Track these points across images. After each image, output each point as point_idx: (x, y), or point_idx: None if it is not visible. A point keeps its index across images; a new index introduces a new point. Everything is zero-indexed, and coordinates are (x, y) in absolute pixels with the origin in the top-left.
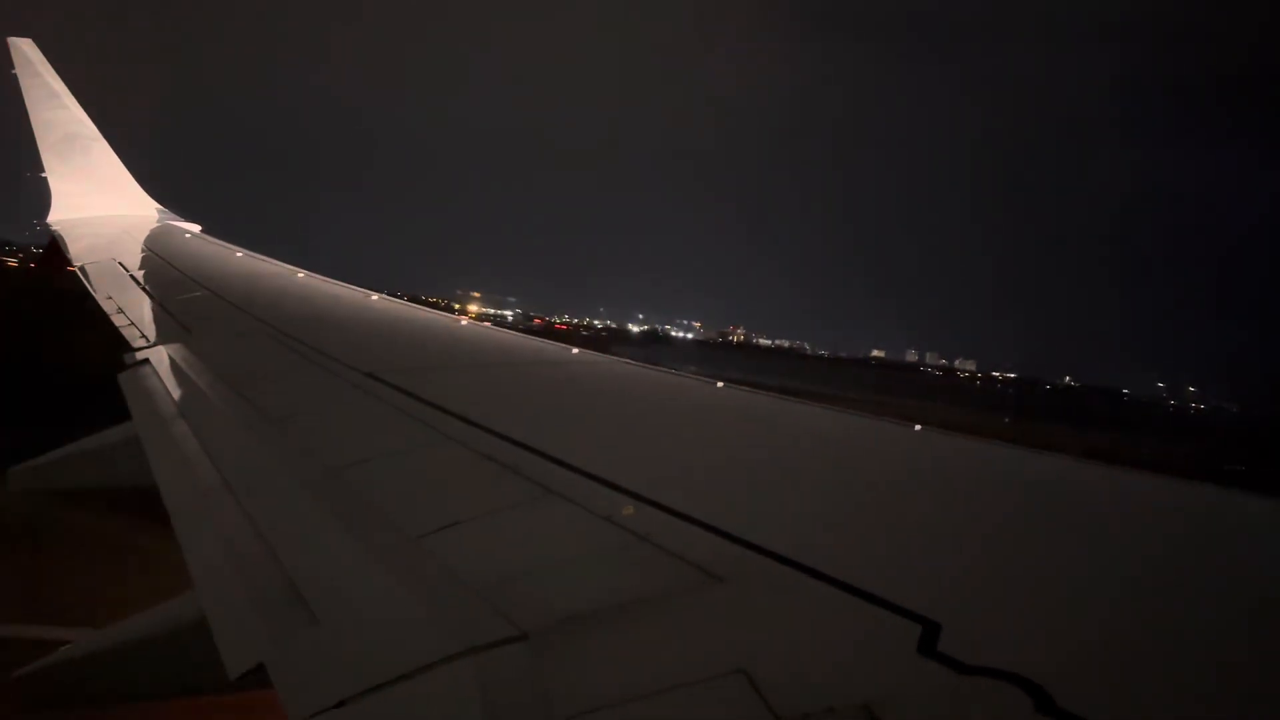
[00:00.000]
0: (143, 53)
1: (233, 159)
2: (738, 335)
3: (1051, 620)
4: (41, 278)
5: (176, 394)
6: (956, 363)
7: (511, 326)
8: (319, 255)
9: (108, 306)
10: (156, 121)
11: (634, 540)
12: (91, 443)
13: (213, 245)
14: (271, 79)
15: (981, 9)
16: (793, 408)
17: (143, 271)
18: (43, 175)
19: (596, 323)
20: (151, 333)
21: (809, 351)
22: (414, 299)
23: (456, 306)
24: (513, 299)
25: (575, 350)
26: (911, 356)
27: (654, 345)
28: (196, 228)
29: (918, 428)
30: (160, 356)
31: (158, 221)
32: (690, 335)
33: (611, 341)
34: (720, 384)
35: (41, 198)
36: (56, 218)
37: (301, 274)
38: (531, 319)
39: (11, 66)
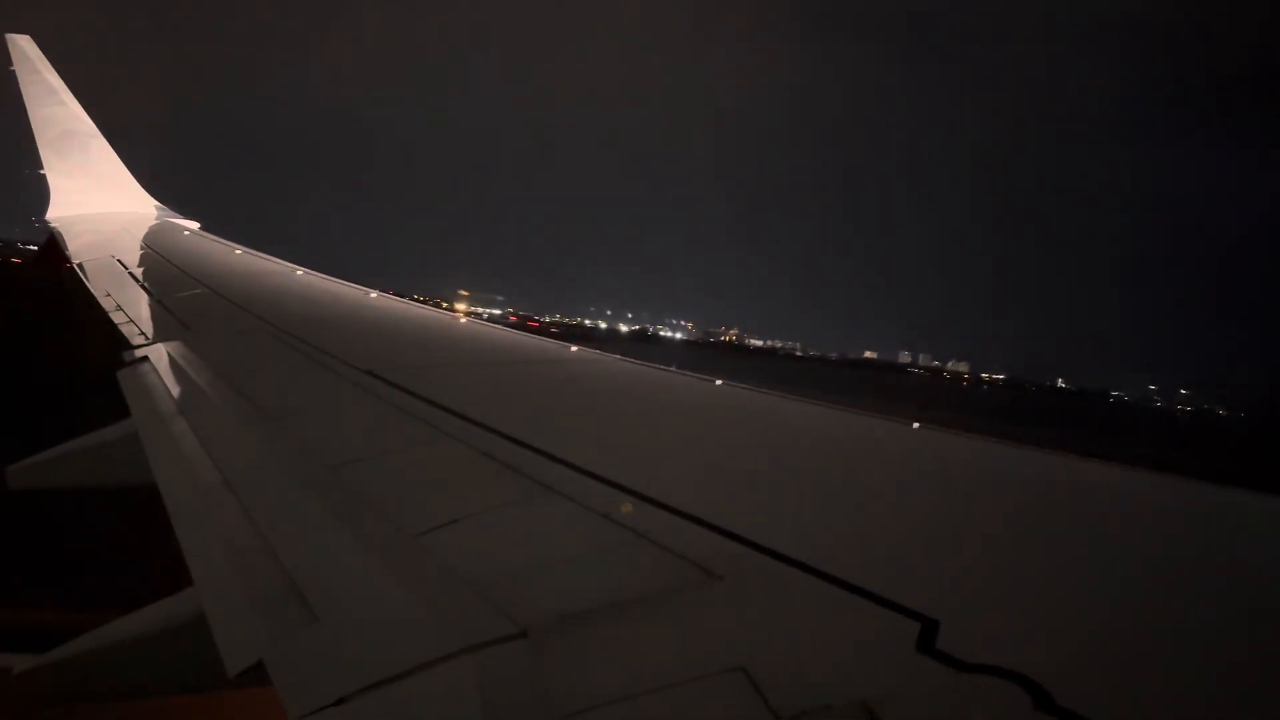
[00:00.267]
0: (135, 49)
1: (223, 156)
2: (730, 336)
3: (1051, 618)
4: (39, 275)
5: (176, 392)
6: (950, 364)
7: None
8: (304, 252)
9: (106, 304)
10: (149, 118)
11: (633, 538)
12: (90, 440)
13: (212, 242)
14: (263, 77)
15: (977, 9)
16: (792, 406)
17: (141, 269)
18: (41, 172)
19: (587, 321)
20: (150, 330)
21: (797, 352)
22: (399, 296)
23: (444, 304)
24: (500, 297)
25: (575, 348)
26: (905, 357)
27: (636, 344)
28: (195, 225)
29: (916, 426)
30: (159, 354)
31: (156, 219)
32: (679, 335)
33: (587, 340)
34: (719, 382)
35: (41, 195)
36: (55, 215)
37: (300, 271)
38: (508, 316)
39: (9, 63)
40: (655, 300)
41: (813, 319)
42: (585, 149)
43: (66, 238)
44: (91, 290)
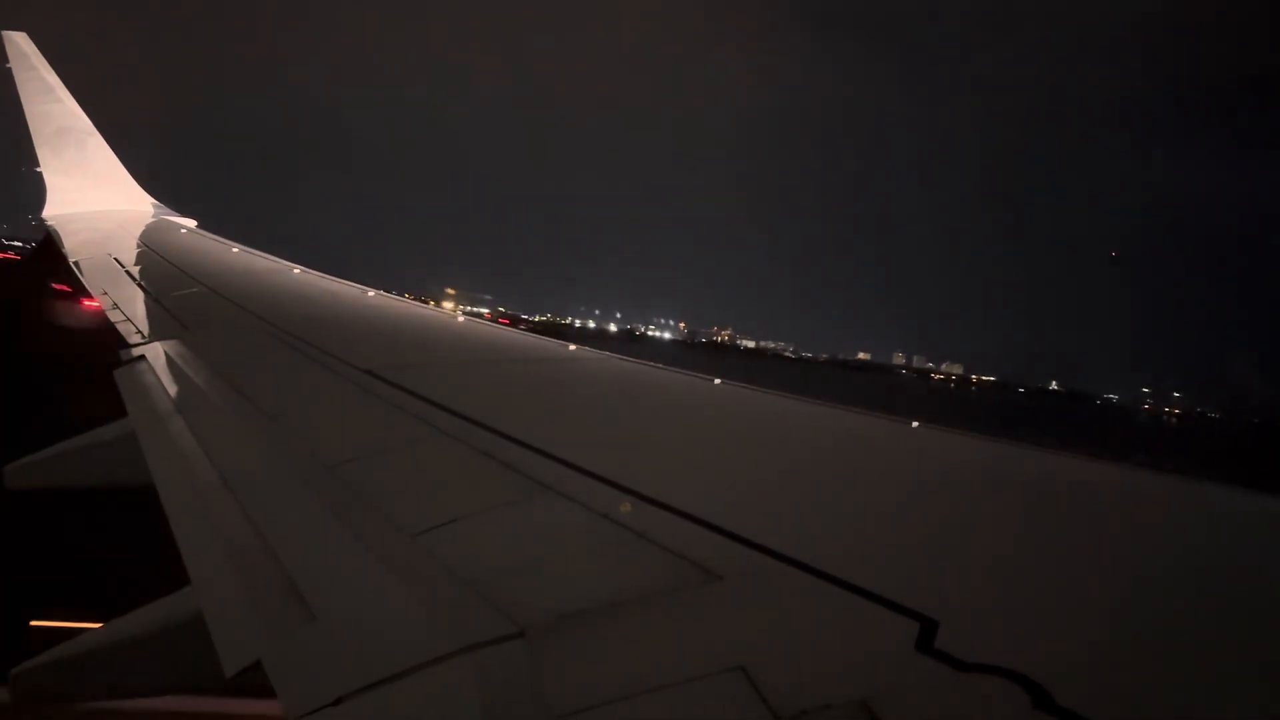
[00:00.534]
0: (122, 45)
1: (210, 152)
2: (723, 336)
3: (1049, 618)
4: (37, 273)
5: (173, 390)
6: (944, 366)
7: None
8: (277, 246)
9: (103, 302)
10: (133, 114)
11: (632, 537)
12: (87, 440)
13: (209, 241)
14: (252, 74)
15: (969, 9)
16: (791, 405)
17: (138, 267)
18: (38, 170)
19: (577, 322)
20: (147, 329)
21: (785, 353)
22: (385, 294)
23: (430, 303)
24: (488, 296)
25: (574, 347)
26: (899, 359)
27: (619, 345)
28: (192, 223)
29: (915, 425)
30: (156, 353)
31: (153, 216)
32: (667, 335)
33: (564, 338)
34: (719, 381)
35: (38, 192)
36: (51, 212)
37: (298, 270)
38: (494, 316)
39: (6, 61)
40: (648, 299)
41: (811, 320)
42: (577, 146)
43: (63, 236)
44: (88, 288)
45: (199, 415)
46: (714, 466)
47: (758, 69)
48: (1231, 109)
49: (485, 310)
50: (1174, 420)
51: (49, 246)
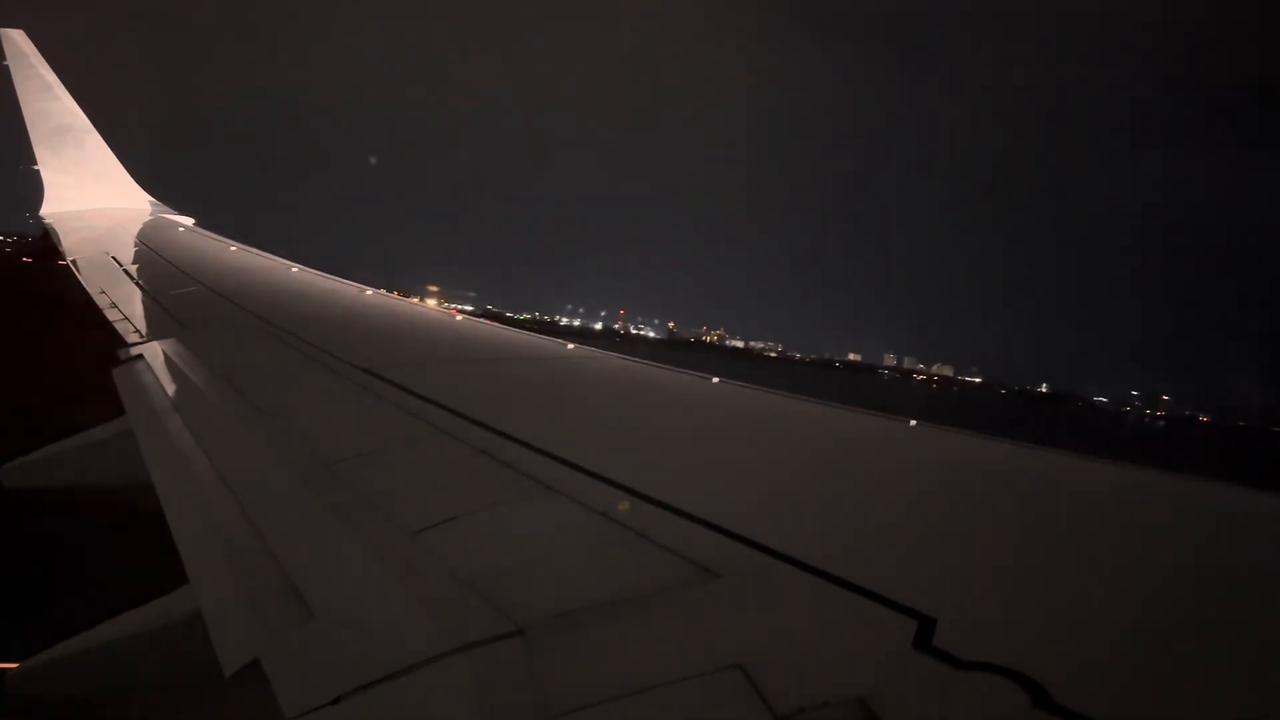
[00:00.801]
0: (113, 43)
1: (197, 147)
2: (713, 336)
3: (1048, 616)
4: (33, 272)
5: (171, 389)
6: (935, 367)
7: None
8: (256, 241)
9: (101, 301)
10: (134, 113)
11: (630, 536)
12: (85, 439)
13: (206, 239)
14: (238, 71)
15: (962, 15)
16: (790, 404)
17: (136, 265)
18: (35, 168)
19: (563, 319)
20: (145, 328)
21: (767, 353)
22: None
23: (414, 300)
24: (473, 294)
25: (572, 346)
26: (889, 360)
27: (599, 343)
28: (190, 221)
29: (913, 424)
30: (154, 351)
31: (151, 214)
32: (652, 334)
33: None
34: (717, 380)
35: (37, 190)
36: (49, 210)
37: (296, 268)
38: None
39: (3, 58)
40: (640, 299)
41: (809, 321)
42: (565, 144)
43: (60, 234)
44: (86, 287)
45: (197, 414)
46: (712, 465)
47: (750, 66)
48: (1222, 111)
49: (470, 308)
50: (1160, 423)
51: (47, 244)
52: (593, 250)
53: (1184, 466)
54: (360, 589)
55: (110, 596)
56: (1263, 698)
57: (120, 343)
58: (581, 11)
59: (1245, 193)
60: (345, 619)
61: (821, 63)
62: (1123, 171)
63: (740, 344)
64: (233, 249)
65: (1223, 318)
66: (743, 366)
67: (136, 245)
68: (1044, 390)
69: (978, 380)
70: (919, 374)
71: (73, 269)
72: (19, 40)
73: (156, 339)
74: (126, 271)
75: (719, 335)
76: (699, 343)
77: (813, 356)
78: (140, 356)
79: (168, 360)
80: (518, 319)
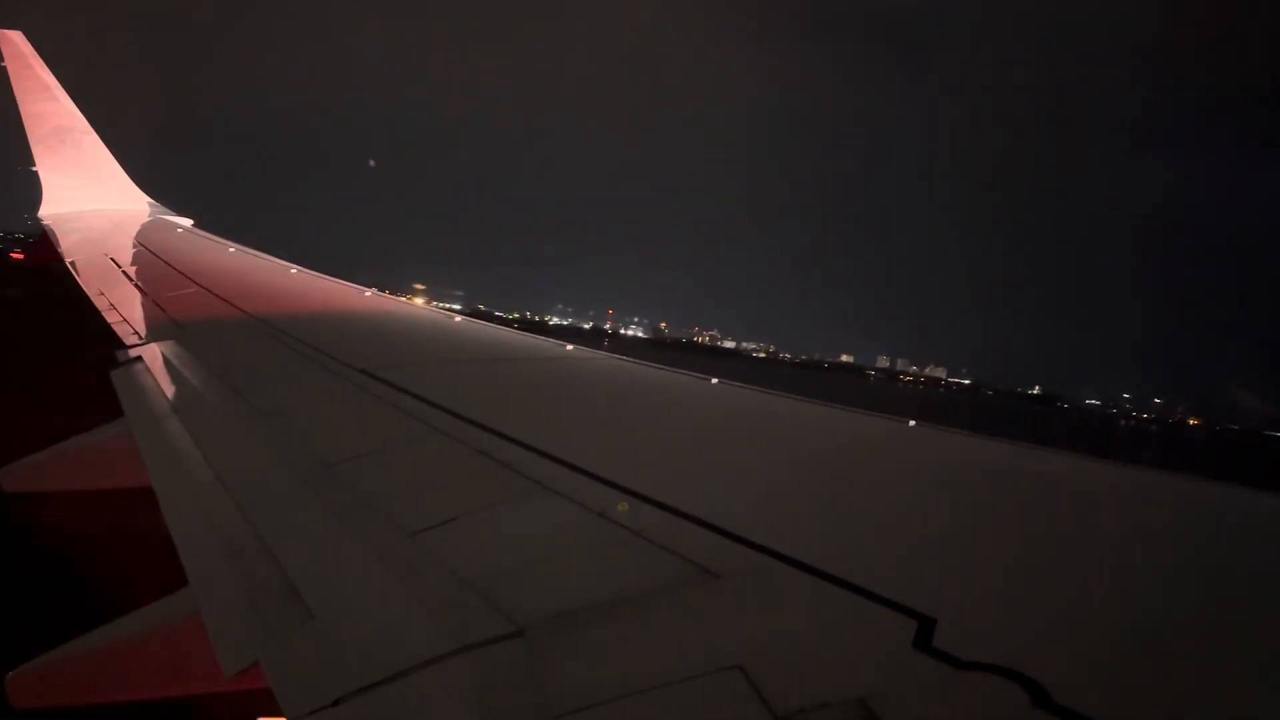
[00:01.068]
0: (111, 44)
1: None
2: (704, 337)
3: (1048, 616)
4: (31, 272)
5: (170, 391)
6: (928, 369)
7: None
8: (237, 238)
9: (100, 303)
10: (132, 114)
11: (629, 537)
12: (84, 441)
13: (205, 240)
14: (231, 73)
15: (954, 18)
16: (788, 405)
17: (135, 267)
18: (33, 169)
19: (553, 319)
20: (144, 329)
21: (754, 353)
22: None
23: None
24: (460, 292)
25: (570, 346)
26: (882, 362)
27: (587, 342)
28: (188, 222)
29: (912, 424)
30: (153, 353)
31: (149, 215)
32: (641, 334)
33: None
34: (716, 381)
35: (34, 190)
36: (48, 211)
37: (294, 269)
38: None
39: (1, 59)
40: (635, 299)
41: (803, 322)
42: (558, 144)
43: (59, 235)
44: (84, 289)
45: (196, 416)
46: (711, 465)
47: (747, 66)
48: (1221, 111)
49: (458, 307)
50: (1151, 426)
51: (45, 245)
52: (586, 250)
53: (1171, 469)
54: (360, 590)
55: (109, 599)
56: (1263, 698)
57: (119, 344)
58: (575, 11)
59: (1244, 194)
60: (345, 620)
61: (818, 62)
62: (1121, 173)
63: (732, 344)
64: (231, 250)
65: (1219, 319)
66: (718, 365)
67: (135, 246)
68: (1033, 392)
69: (966, 382)
70: (906, 376)
71: (71, 270)
72: (17, 41)
73: (155, 340)
74: (125, 273)
75: (710, 336)
76: (686, 343)
77: (802, 357)
78: (139, 358)
79: (166, 362)
80: (507, 319)
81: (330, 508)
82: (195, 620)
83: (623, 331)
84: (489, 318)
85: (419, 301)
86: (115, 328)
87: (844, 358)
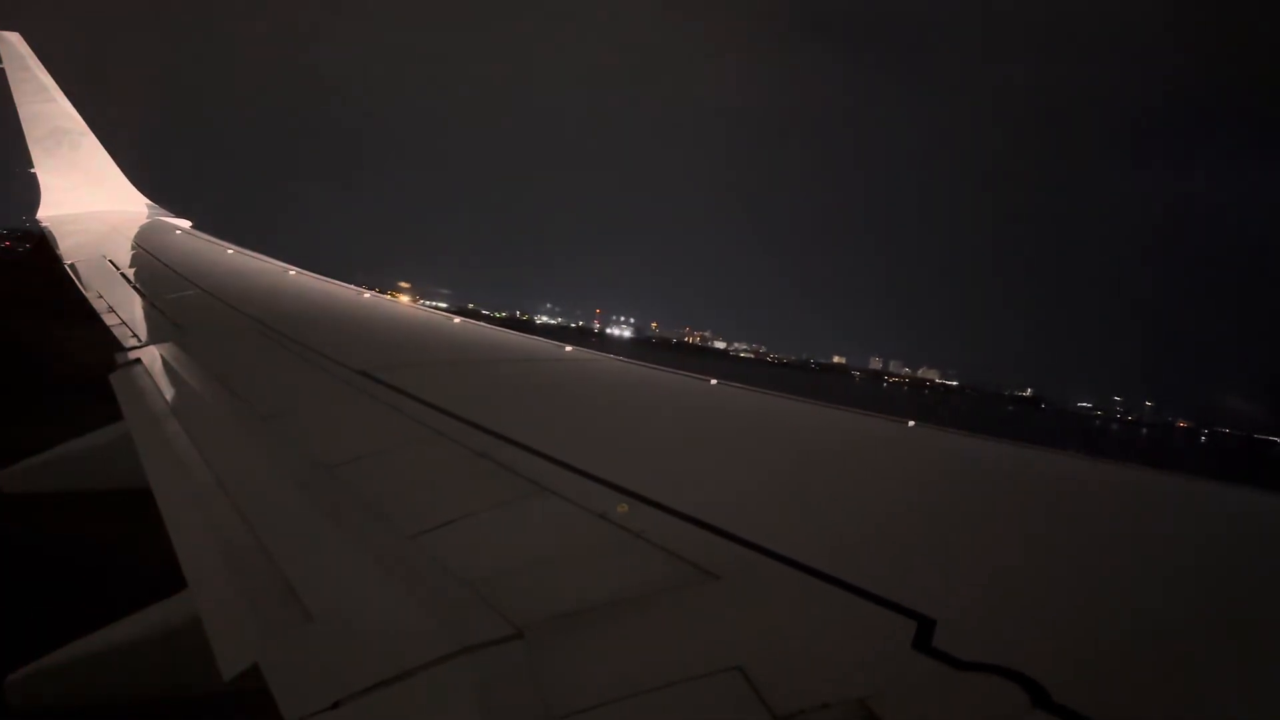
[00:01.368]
0: (110, 44)
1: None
2: (694, 338)
3: (1047, 616)
4: (30, 274)
5: (169, 393)
6: (920, 371)
7: None
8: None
9: (98, 305)
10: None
11: (629, 538)
12: (83, 444)
13: (203, 242)
14: (211, 66)
15: (951, 22)
16: (788, 405)
17: (133, 269)
18: (31, 171)
19: (541, 318)
20: (143, 331)
21: (741, 354)
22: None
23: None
24: (446, 290)
25: (570, 348)
26: (875, 363)
27: (577, 341)
28: (186, 224)
29: (912, 424)
30: (152, 356)
31: (148, 217)
32: (628, 334)
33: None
34: (715, 381)
35: (32, 192)
36: (46, 214)
37: (293, 271)
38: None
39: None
40: (629, 299)
41: (801, 324)
42: (553, 143)
43: (57, 237)
44: (83, 291)
45: (195, 418)
46: (711, 466)
47: (742, 65)
48: (1220, 111)
49: (444, 305)
50: (1140, 429)
51: (43, 247)
52: (582, 251)
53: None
54: (360, 592)
55: (108, 601)
56: (1263, 698)
57: (118, 346)
58: (565, 11)
59: (1239, 195)
60: (345, 623)
61: (808, 61)
62: (1113, 176)
63: (723, 345)
64: (229, 251)
65: (1212, 323)
66: (711, 365)
67: (133, 248)
68: (1022, 394)
69: (954, 383)
70: (892, 377)
71: (70, 273)
72: (15, 43)
73: (154, 343)
74: (124, 275)
75: (701, 336)
76: (676, 343)
77: (790, 358)
78: (138, 360)
79: (165, 364)
80: (495, 317)
81: (329, 509)
82: (194, 622)
83: (609, 331)
84: (477, 316)
85: (404, 299)
86: (114, 330)
87: (836, 359)
